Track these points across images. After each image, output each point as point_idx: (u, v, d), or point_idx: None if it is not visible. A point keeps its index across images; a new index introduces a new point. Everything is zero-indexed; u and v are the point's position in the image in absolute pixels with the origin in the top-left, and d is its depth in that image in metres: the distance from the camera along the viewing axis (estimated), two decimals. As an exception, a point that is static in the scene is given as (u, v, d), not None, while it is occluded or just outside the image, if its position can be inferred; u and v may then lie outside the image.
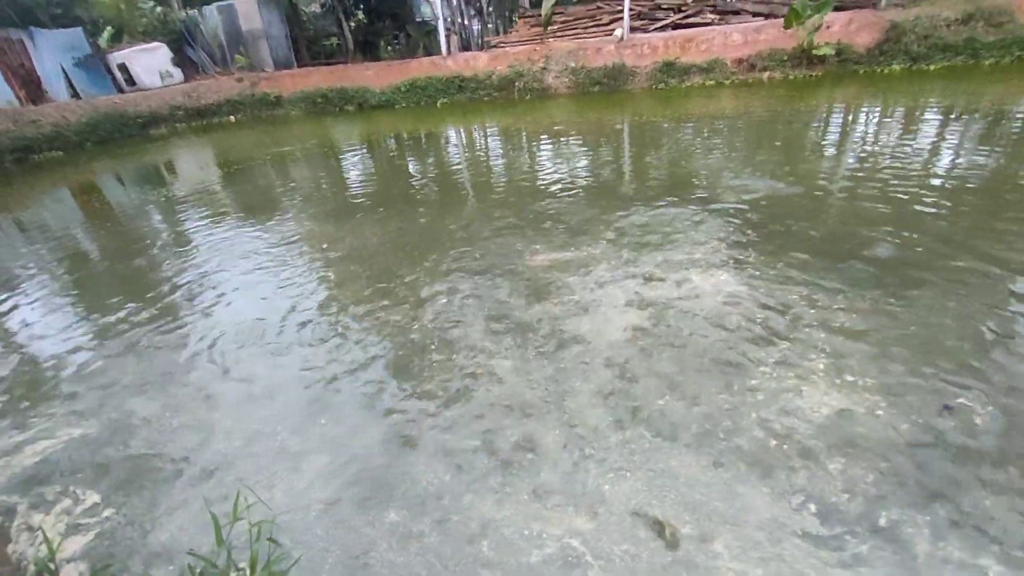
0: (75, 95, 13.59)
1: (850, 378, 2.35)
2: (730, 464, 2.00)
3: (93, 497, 2.23)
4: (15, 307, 4.11)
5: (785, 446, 2.04)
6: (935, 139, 5.83)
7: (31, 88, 13.09)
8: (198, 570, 1.63)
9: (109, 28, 15.12)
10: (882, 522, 1.73)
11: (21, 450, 2.52)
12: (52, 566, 1.80)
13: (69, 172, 9.64)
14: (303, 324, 3.33)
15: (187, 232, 5.48)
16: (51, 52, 13.34)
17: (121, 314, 3.76)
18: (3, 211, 7.23)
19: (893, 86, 8.54)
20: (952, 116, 6.56)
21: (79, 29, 13.99)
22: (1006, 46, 9.04)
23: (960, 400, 2.16)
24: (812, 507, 1.81)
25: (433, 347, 2.93)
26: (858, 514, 1.76)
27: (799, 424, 2.13)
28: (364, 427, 2.42)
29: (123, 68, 14.34)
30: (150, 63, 14.52)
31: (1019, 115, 6.26)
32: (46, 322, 3.79)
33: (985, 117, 6.32)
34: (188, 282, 4.18)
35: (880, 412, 2.15)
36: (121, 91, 14.34)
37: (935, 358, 2.41)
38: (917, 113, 6.95)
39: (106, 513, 2.14)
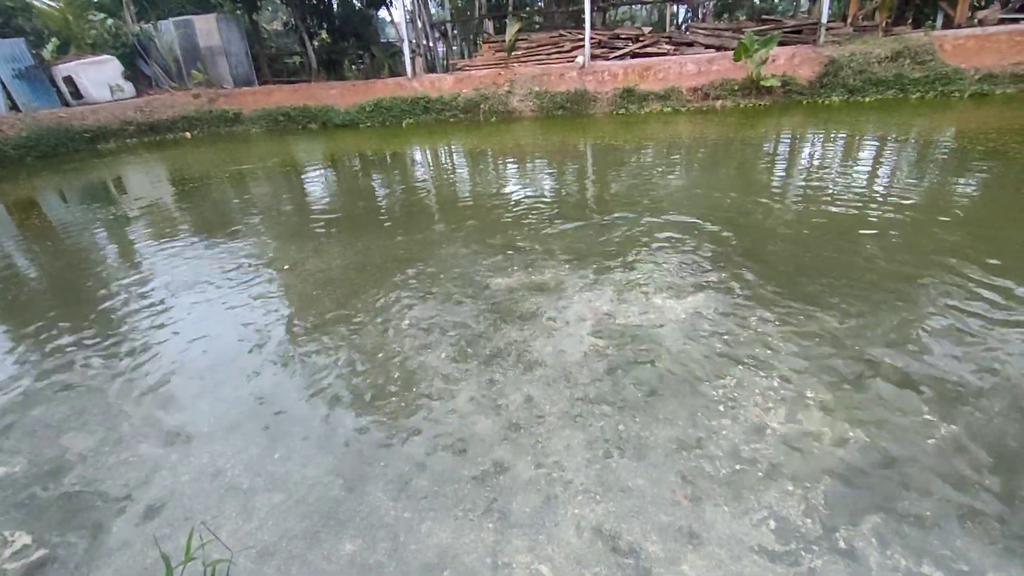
0: (14, 107, 12.88)
1: (804, 395, 2.46)
2: (697, 485, 2.04)
3: (23, 539, 2.06)
4: (-63, 335, 3.79)
5: (749, 467, 2.10)
6: (873, 164, 6.28)
7: (-36, 99, 12.33)
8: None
9: (54, 40, 14.49)
10: (838, 538, 1.80)
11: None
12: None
13: (6, 188, 9.07)
14: (256, 351, 3.21)
15: (135, 253, 5.22)
16: (-12, 62, 12.63)
17: (57, 342, 3.52)
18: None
19: (833, 116, 9.17)
20: (886, 144, 7.09)
21: (20, 40, 13.34)
22: (930, 82, 9.90)
23: (899, 418, 2.29)
24: (772, 523, 1.86)
25: (396, 375, 2.88)
26: (816, 532, 1.83)
27: (761, 446, 2.20)
28: (318, 460, 2.33)
29: (69, 81, 13.72)
30: (99, 76, 13.96)
31: (944, 144, 6.83)
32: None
33: (915, 146, 6.86)
34: (132, 308, 3.97)
35: (833, 430, 2.25)
36: (67, 104, 13.69)
37: (884, 375, 2.55)
38: (856, 140, 7.48)
39: (38, 555, 1.97)
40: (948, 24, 12.39)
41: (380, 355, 3.06)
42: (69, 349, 3.43)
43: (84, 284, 4.50)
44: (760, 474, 2.06)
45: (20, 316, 4.00)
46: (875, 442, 2.17)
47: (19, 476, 2.39)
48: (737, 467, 2.10)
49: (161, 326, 3.63)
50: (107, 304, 4.06)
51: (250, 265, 4.59)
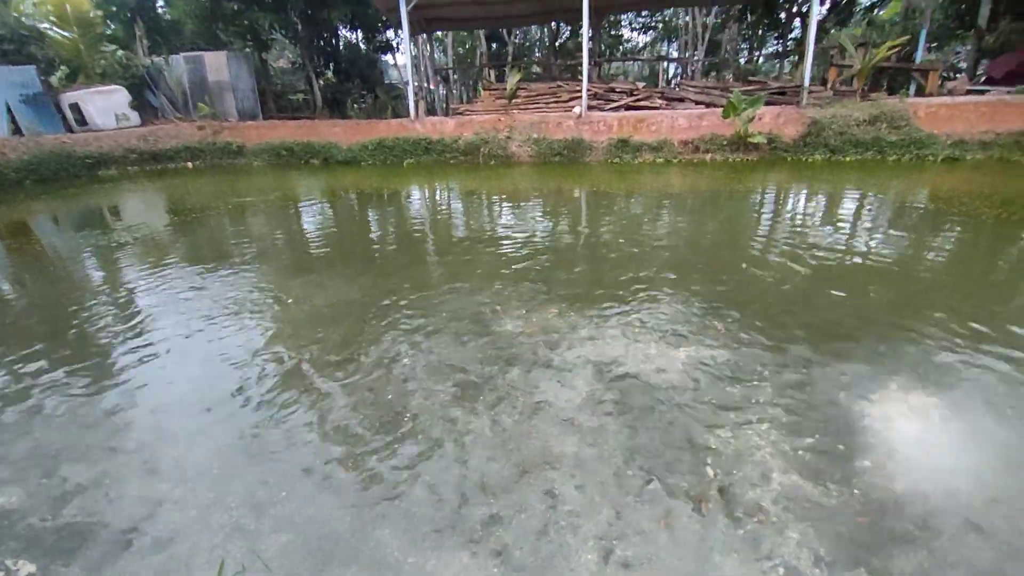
0: (17, 131, 13.01)
1: (800, 445, 2.54)
2: (700, 528, 2.09)
3: (27, 567, 2.02)
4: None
5: (754, 515, 2.17)
6: (854, 220, 6.61)
7: (-32, 122, 12.44)
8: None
9: (64, 68, 14.81)
10: (837, 590, 1.86)
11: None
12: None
13: (2, 210, 9.06)
14: (255, 388, 3.22)
15: (129, 283, 5.23)
16: (-3, 87, 12.83)
17: (45, 376, 3.50)
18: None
19: (816, 174, 9.66)
20: (866, 202, 7.48)
21: (31, 67, 13.62)
22: (905, 145, 10.52)
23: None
24: (781, 571, 1.91)
25: (402, 413, 2.92)
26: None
27: (761, 492, 2.27)
28: (323, 503, 2.34)
29: (75, 108, 13.95)
30: (106, 105, 14.22)
31: (918, 205, 7.23)
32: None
33: (892, 205, 7.25)
34: (126, 339, 3.96)
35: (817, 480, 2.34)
36: (70, 131, 13.86)
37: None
38: (837, 198, 7.87)
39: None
40: (920, 92, 13.27)
41: (380, 395, 3.09)
42: (54, 379, 3.40)
43: (73, 313, 4.47)
44: (762, 520, 2.12)
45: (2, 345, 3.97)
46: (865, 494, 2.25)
47: (16, 507, 2.35)
48: (752, 514, 2.16)
49: (154, 360, 3.61)
50: (97, 333, 4.05)
51: (247, 299, 4.63)
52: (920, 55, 15.38)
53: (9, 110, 12.97)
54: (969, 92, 12.72)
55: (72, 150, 12.24)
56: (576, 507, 2.24)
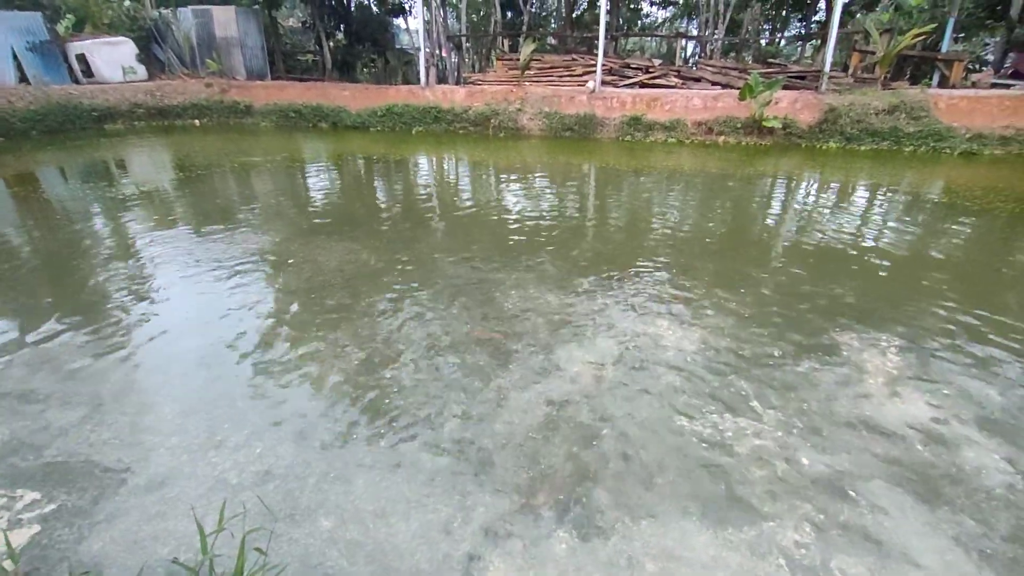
0: (23, 79, 12.84)
1: (806, 432, 2.60)
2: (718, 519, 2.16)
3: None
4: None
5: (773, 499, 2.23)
6: (864, 211, 6.55)
7: (-27, 67, 12.28)
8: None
9: (70, 16, 14.51)
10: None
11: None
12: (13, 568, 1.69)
13: (9, 160, 9.03)
14: (254, 351, 3.23)
15: (133, 236, 5.26)
16: (2, 32, 12.61)
17: (46, 325, 3.55)
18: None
19: (829, 161, 9.52)
20: (878, 193, 7.40)
21: (38, 14, 13.36)
22: (923, 137, 10.33)
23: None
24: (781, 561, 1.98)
25: (394, 389, 2.98)
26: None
27: (792, 473, 2.33)
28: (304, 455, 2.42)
29: (81, 59, 13.72)
30: (112, 57, 13.98)
31: (930, 197, 7.15)
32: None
33: (906, 197, 7.17)
34: (125, 291, 4.00)
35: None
36: (77, 82, 13.68)
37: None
38: (850, 187, 7.79)
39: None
40: (943, 84, 12.94)
41: (377, 372, 3.15)
42: (57, 331, 3.46)
43: (74, 263, 4.52)
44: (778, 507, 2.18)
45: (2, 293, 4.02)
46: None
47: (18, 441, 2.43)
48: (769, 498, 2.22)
49: (147, 317, 3.65)
50: (97, 284, 4.10)
51: (250, 259, 4.64)
52: (946, 45, 14.93)
53: (15, 56, 12.77)
54: (994, 86, 12.41)
55: (79, 101, 12.10)
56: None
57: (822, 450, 2.43)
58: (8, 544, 1.71)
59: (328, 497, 2.14)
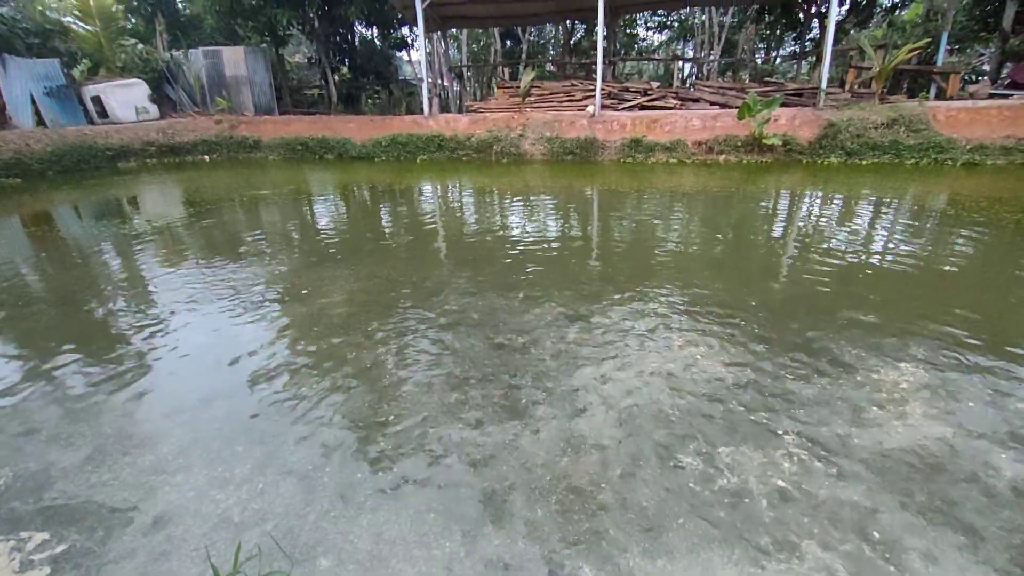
0: (41, 123, 13.30)
1: (819, 456, 2.55)
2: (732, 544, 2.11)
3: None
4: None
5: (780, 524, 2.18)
6: (869, 225, 6.53)
7: (-6, 113, 12.76)
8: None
9: (86, 61, 15.11)
10: None
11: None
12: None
13: (26, 200, 9.29)
14: (259, 386, 3.27)
15: (142, 273, 5.35)
16: (21, 80, 13.14)
17: (58, 361, 3.60)
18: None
19: (831, 176, 9.55)
20: (882, 206, 7.39)
21: (55, 60, 13.93)
22: (923, 149, 10.36)
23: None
24: None
25: (393, 418, 2.97)
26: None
27: (795, 505, 2.28)
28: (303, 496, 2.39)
29: (96, 101, 14.22)
30: (126, 98, 14.48)
31: (934, 209, 7.12)
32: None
33: (910, 209, 7.15)
34: (133, 328, 4.04)
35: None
36: (92, 123, 14.14)
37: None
38: (852, 202, 7.78)
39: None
40: (941, 96, 13.04)
41: (381, 381, 3.14)
42: (71, 368, 3.50)
43: (84, 300, 4.59)
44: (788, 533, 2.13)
45: (14, 329, 4.08)
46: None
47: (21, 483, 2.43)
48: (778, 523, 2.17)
49: (160, 351, 3.67)
50: (107, 321, 4.15)
51: (257, 294, 4.69)
52: (942, 58, 15.12)
53: (33, 102, 13.27)
54: (991, 96, 12.48)
55: (93, 142, 12.49)
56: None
57: (840, 477, 2.37)
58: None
59: (327, 536, 2.12)
